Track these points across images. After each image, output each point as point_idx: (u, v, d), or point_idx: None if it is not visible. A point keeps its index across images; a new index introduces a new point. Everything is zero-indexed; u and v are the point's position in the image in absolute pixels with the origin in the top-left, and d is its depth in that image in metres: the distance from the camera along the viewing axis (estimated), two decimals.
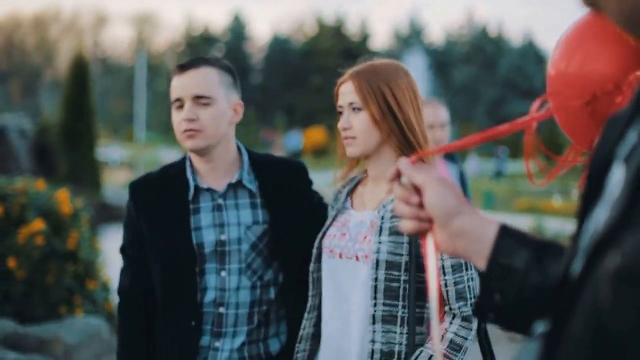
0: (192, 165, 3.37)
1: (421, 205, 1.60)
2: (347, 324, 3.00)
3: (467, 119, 69.28)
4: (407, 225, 1.62)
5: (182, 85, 3.27)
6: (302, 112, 75.43)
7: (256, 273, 3.27)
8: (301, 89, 77.52)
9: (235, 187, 3.33)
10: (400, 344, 2.90)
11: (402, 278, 2.89)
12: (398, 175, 1.64)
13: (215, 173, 3.33)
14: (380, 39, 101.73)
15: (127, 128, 77.28)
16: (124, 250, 3.44)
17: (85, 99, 23.33)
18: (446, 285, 2.89)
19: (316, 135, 56.31)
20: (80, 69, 23.76)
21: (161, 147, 70.13)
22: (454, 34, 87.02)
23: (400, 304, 2.90)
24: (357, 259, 2.98)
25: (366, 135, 3.03)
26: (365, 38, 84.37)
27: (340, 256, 3.03)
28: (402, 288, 2.89)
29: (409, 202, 1.61)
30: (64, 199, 8.28)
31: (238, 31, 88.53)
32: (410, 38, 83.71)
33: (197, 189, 3.31)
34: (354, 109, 3.05)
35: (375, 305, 2.91)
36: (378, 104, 3.00)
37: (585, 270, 1.11)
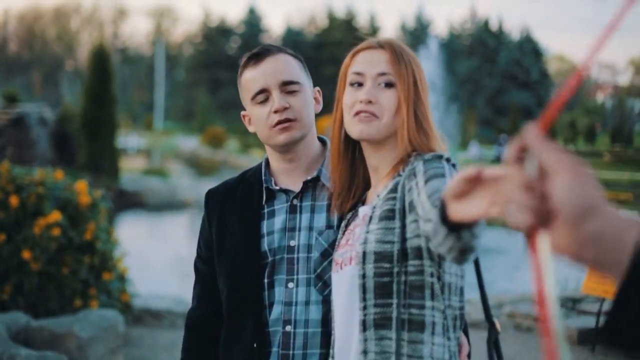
0: (268, 167, 2.90)
1: (544, 195, 1.10)
2: (349, 341, 2.43)
3: (470, 108, 69.45)
4: (520, 218, 1.11)
5: (263, 74, 2.78)
6: None
7: (328, 285, 2.65)
8: (313, 79, 77.47)
9: (315, 186, 2.81)
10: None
11: (395, 270, 2.29)
12: (521, 153, 1.13)
13: (296, 172, 2.83)
14: (388, 32, 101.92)
15: (145, 117, 77.21)
16: (196, 265, 3.00)
17: (106, 88, 23.15)
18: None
19: (327, 124, 56.10)
20: (101, 58, 23.57)
21: (179, 135, 70.22)
22: (457, 28, 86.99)
23: (395, 302, 2.30)
24: (350, 261, 2.44)
25: (392, 116, 2.45)
26: (374, 31, 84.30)
27: (342, 267, 2.48)
28: (396, 282, 2.30)
29: (531, 187, 1.10)
30: (83, 190, 7.92)
31: (253, 23, 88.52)
32: (416, 31, 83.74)
33: (269, 191, 2.84)
34: (384, 84, 2.47)
35: (365, 308, 2.34)
36: (409, 85, 2.45)
37: None
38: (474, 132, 58.80)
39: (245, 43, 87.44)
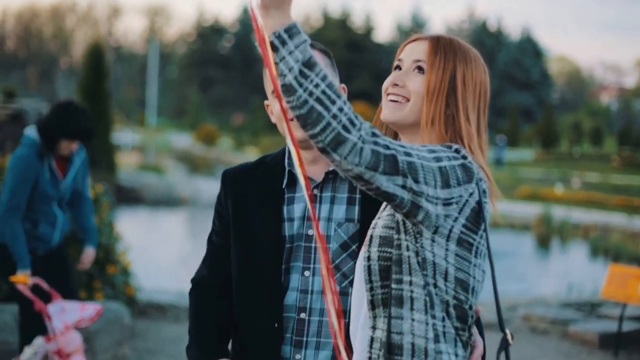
0: (290, 153, 2.87)
1: None
2: (357, 321, 2.44)
3: None
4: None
5: None
6: None
7: (347, 277, 2.69)
8: None
9: (335, 178, 2.79)
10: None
11: (394, 256, 2.29)
12: None
13: (318, 163, 2.81)
14: (384, 32, 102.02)
15: (138, 113, 77.17)
16: (210, 238, 2.98)
17: (100, 84, 23.16)
18: None
19: None
20: (96, 56, 23.64)
21: (171, 131, 70.18)
22: (454, 28, 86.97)
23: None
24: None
25: (418, 103, 2.41)
26: (369, 30, 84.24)
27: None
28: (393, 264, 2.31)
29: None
30: None
31: (247, 23, 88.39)
32: (412, 31, 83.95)
33: (292, 176, 2.82)
34: (417, 68, 2.45)
35: (372, 289, 2.33)
36: (443, 77, 2.40)
37: None
38: None
39: (238, 42, 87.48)
